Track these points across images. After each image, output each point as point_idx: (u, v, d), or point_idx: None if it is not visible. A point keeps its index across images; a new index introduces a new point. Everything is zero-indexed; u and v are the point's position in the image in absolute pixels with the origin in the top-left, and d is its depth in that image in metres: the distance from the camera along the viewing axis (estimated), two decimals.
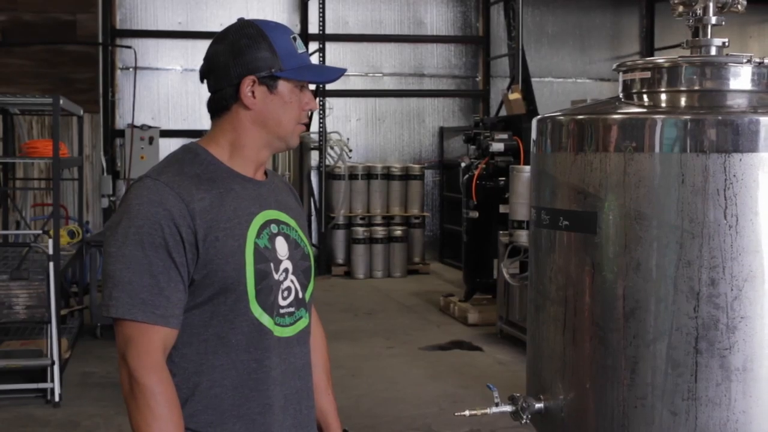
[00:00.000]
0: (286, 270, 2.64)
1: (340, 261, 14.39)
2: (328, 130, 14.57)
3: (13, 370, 7.62)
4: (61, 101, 7.90)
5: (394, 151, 15.81)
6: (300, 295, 2.69)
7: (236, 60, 2.57)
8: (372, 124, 15.71)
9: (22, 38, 12.99)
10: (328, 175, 14.51)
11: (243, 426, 2.55)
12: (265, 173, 2.74)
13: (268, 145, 2.65)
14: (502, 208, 10.15)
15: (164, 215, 2.44)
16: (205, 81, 2.66)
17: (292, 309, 2.66)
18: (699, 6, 3.63)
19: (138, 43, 14.50)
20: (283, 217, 2.69)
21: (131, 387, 2.43)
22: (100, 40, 13.75)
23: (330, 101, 14.66)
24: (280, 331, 2.62)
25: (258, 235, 2.58)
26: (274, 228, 2.64)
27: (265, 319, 2.57)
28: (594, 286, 3.40)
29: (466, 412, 3.73)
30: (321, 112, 14.29)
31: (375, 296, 12.62)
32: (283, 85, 2.59)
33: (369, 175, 14.57)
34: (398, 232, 14.32)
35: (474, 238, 10.86)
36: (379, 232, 14.21)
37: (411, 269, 14.45)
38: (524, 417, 3.67)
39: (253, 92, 2.57)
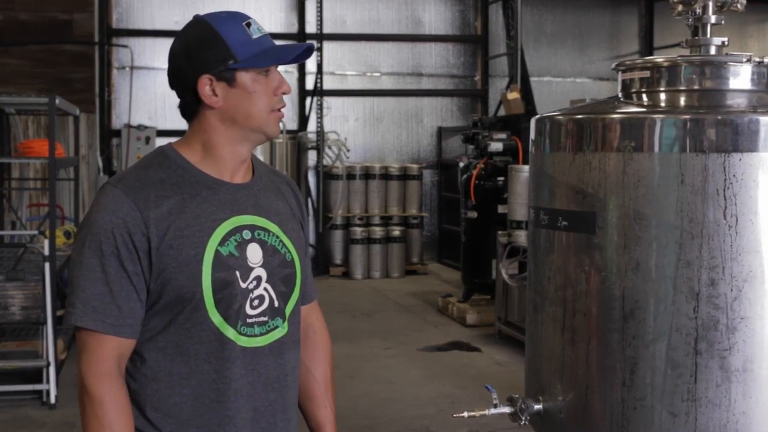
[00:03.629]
0: (258, 278, 2.56)
1: (338, 261, 14.39)
2: (326, 129, 14.56)
3: (9, 371, 7.60)
4: (57, 101, 7.88)
5: (392, 151, 15.80)
6: (276, 304, 2.60)
7: (189, 62, 2.51)
8: (370, 124, 15.70)
9: (18, 38, 12.97)
10: (326, 175, 14.50)
11: None
12: (254, 173, 2.66)
13: (243, 140, 2.57)
14: (501, 208, 10.15)
15: (117, 224, 2.41)
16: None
17: (264, 318, 2.57)
18: (698, 5, 3.61)
19: (134, 42, 14.49)
20: (261, 222, 2.60)
21: (81, 395, 2.42)
22: (97, 40, 13.74)
23: (328, 101, 14.66)
24: (246, 341, 2.53)
25: (222, 243, 2.50)
26: (246, 234, 2.55)
27: (227, 329, 2.50)
28: (593, 287, 3.39)
29: (465, 413, 3.71)
30: (319, 111, 14.28)
31: (373, 297, 12.62)
32: (242, 76, 2.51)
33: (367, 175, 14.57)
34: (396, 232, 14.32)
35: (472, 238, 10.85)
36: (377, 232, 14.20)
37: (409, 269, 14.45)
38: (523, 418, 3.65)
39: (213, 90, 2.50)
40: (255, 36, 2.54)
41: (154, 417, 2.49)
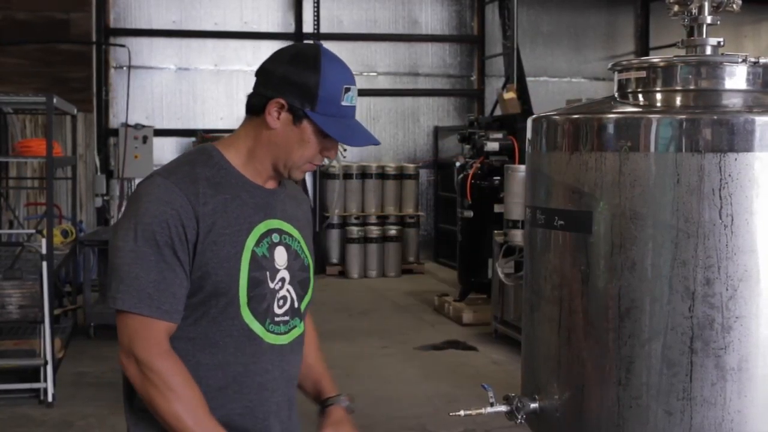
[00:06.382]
0: (282, 279, 2.68)
1: (335, 260, 14.39)
2: None
3: (7, 370, 7.60)
4: (55, 100, 7.89)
5: (389, 150, 15.80)
6: (296, 305, 2.73)
7: (281, 77, 2.57)
8: (366, 124, 15.53)
9: (16, 37, 12.96)
10: (323, 175, 14.51)
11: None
12: (280, 182, 2.74)
13: (274, 167, 2.65)
14: (497, 208, 10.15)
15: (172, 214, 2.48)
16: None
17: (287, 318, 2.70)
18: (694, 5, 3.62)
19: (132, 42, 14.48)
20: (286, 227, 2.72)
21: (145, 376, 2.47)
22: (94, 39, 13.74)
23: None
24: (273, 339, 2.65)
25: (257, 244, 2.61)
26: (275, 237, 2.67)
27: (256, 326, 2.61)
28: (589, 286, 3.40)
29: (461, 412, 3.72)
30: None
31: (369, 296, 12.62)
32: (308, 124, 2.58)
33: (363, 174, 14.57)
34: (393, 231, 14.32)
35: (469, 237, 10.85)
36: (374, 231, 14.21)
37: (405, 269, 14.45)
38: (519, 417, 3.66)
39: (279, 114, 2.57)
40: (345, 103, 2.62)
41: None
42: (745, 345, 3.25)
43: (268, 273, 2.62)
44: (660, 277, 3.26)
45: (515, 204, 9.08)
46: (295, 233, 2.75)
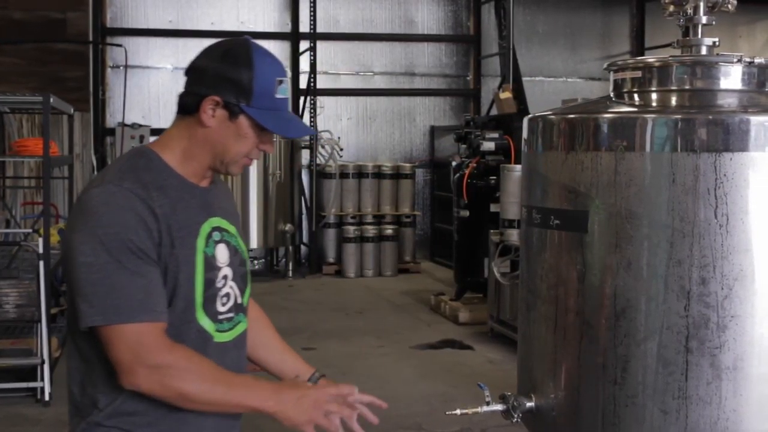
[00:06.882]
0: (225, 276, 2.67)
1: (331, 260, 14.38)
2: (319, 129, 14.56)
3: (3, 369, 7.60)
4: (52, 99, 7.87)
5: (385, 149, 15.81)
6: (239, 301, 2.73)
7: (214, 74, 2.56)
8: (363, 123, 15.72)
9: (12, 36, 12.95)
10: (319, 174, 14.50)
11: (176, 426, 2.56)
12: (212, 179, 2.74)
13: (211, 165, 2.65)
14: (493, 207, 10.15)
15: (137, 220, 2.45)
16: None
17: (231, 314, 2.69)
18: (689, 6, 3.63)
19: (128, 41, 14.47)
20: (224, 224, 2.72)
21: (163, 374, 2.44)
22: (91, 39, 13.72)
23: (321, 100, 14.66)
24: (219, 337, 2.65)
25: (206, 244, 2.61)
26: (216, 236, 2.67)
27: (208, 326, 2.60)
28: (585, 285, 3.41)
29: (457, 411, 3.73)
30: (312, 111, 14.28)
31: (366, 295, 12.62)
32: (244, 119, 2.57)
33: (360, 173, 14.56)
34: (389, 231, 14.32)
35: (465, 237, 10.86)
36: (370, 231, 14.20)
37: (402, 268, 14.45)
38: (515, 416, 3.67)
39: (214, 112, 2.56)
40: (278, 95, 2.61)
41: (134, 408, 2.53)
42: (740, 344, 3.26)
43: (215, 272, 2.62)
44: (655, 276, 3.27)
45: (511, 203, 9.09)
46: (232, 229, 2.75)
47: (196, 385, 2.46)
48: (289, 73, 15.27)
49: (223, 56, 2.57)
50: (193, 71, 2.62)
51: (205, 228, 2.62)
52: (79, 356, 2.58)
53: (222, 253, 2.67)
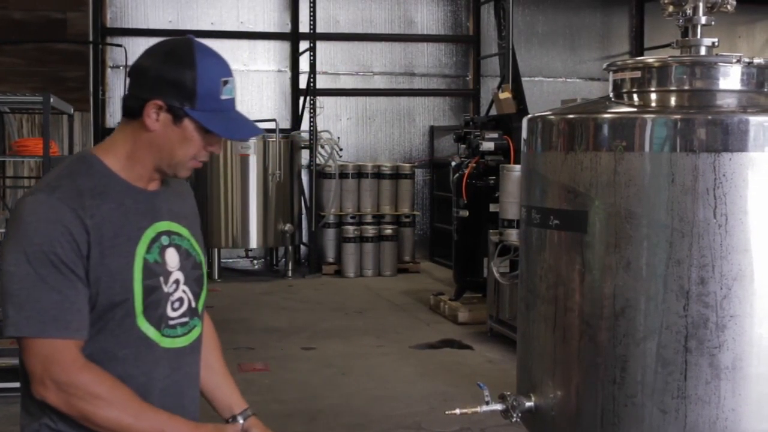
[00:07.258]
0: (177, 281, 2.62)
1: (331, 260, 14.38)
2: (319, 129, 14.55)
3: (3, 369, 7.60)
4: (52, 99, 7.87)
5: (385, 150, 15.81)
6: (193, 305, 2.68)
7: (156, 76, 2.48)
8: (362, 123, 15.72)
9: (13, 36, 12.95)
10: (319, 174, 14.49)
11: None
12: (163, 180, 2.67)
13: (157, 169, 2.58)
14: (493, 207, 10.15)
15: (62, 231, 2.40)
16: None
17: (185, 319, 2.65)
18: (689, 6, 3.64)
19: (128, 41, 14.47)
20: (174, 227, 2.66)
21: (70, 394, 2.41)
22: (91, 39, 13.72)
23: (320, 100, 14.65)
24: (170, 342, 2.60)
25: (148, 250, 2.55)
26: (165, 240, 2.61)
27: (151, 332, 2.55)
28: (584, 285, 3.42)
29: (457, 411, 3.74)
30: (311, 111, 14.28)
31: (365, 295, 12.62)
32: (188, 122, 2.50)
33: (359, 173, 14.56)
34: (389, 230, 14.31)
35: (464, 236, 10.86)
36: (370, 230, 14.20)
37: (401, 268, 14.45)
38: (514, 415, 3.68)
39: (158, 116, 2.49)
40: (224, 96, 2.53)
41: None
42: (739, 344, 3.27)
43: (161, 278, 2.56)
44: (655, 276, 3.27)
45: (510, 203, 9.09)
46: (184, 231, 2.69)
47: (103, 411, 2.41)
48: (288, 73, 15.28)
49: (165, 57, 2.50)
50: (135, 73, 2.54)
51: (149, 233, 2.56)
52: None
53: (172, 258, 2.61)
